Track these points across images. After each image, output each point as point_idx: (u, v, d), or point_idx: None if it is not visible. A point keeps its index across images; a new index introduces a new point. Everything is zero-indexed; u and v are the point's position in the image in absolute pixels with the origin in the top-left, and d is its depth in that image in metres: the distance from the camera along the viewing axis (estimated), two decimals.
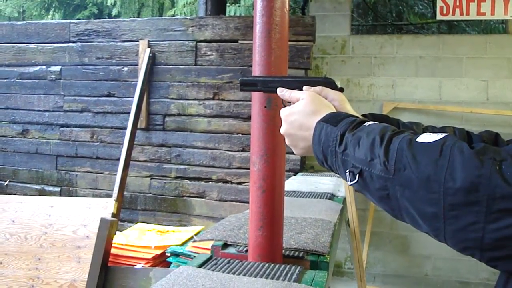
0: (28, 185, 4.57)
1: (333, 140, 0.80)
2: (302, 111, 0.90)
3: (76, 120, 4.43)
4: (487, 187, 0.60)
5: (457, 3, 4.11)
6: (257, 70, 1.42)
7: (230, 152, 3.95)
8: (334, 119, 0.84)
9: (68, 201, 3.65)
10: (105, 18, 6.51)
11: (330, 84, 0.97)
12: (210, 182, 4.06)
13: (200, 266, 1.38)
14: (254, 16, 1.43)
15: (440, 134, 0.70)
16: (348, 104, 0.96)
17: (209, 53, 4.02)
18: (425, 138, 0.69)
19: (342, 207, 2.47)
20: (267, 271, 1.33)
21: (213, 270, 1.33)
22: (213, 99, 4.01)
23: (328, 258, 1.52)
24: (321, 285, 1.28)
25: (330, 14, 4.28)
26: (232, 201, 3.92)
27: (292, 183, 3.15)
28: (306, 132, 0.88)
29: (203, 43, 4.06)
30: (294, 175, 3.63)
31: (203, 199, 4.07)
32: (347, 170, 0.77)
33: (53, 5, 7.46)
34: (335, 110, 0.90)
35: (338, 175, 0.83)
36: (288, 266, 1.38)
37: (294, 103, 0.94)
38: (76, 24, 4.48)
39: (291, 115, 0.91)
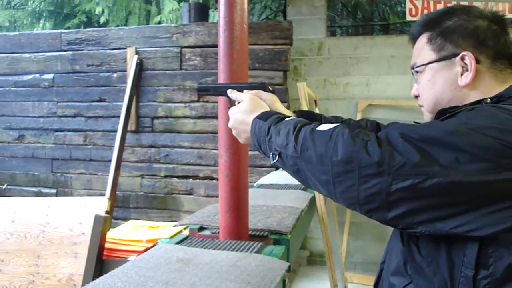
0: (26, 188, 4.79)
1: (263, 132, 1.06)
2: (243, 110, 1.16)
3: (69, 125, 4.65)
4: (357, 159, 0.85)
5: (425, 5, 4.37)
6: (221, 76, 1.67)
7: (215, 151, 4.19)
8: (265, 116, 1.10)
9: (64, 201, 3.84)
10: (94, 26, 6.72)
11: (264, 88, 1.23)
12: (197, 180, 4.30)
13: (176, 244, 1.63)
14: (218, 30, 1.68)
15: (335, 124, 0.96)
16: (278, 103, 1.23)
17: (193, 58, 4.26)
18: (323, 127, 0.95)
19: (312, 196, 2.72)
20: (233, 246, 1.58)
21: (187, 246, 1.58)
22: (198, 101, 4.23)
23: (289, 236, 1.77)
24: (277, 256, 1.53)
25: (307, 18, 4.53)
26: (218, 196, 4.14)
27: (271, 177, 3.39)
28: (246, 126, 1.14)
29: (187, 49, 4.30)
30: (275, 170, 3.87)
31: (191, 196, 4.32)
32: (271, 153, 1.02)
33: (44, 15, 7.64)
34: (268, 109, 1.16)
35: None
36: (252, 242, 1.63)
37: (238, 103, 1.20)
38: (67, 33, 4.71)
39: (235, 113, 1.17)
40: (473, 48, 0.98)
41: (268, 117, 1.08)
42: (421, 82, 1.07)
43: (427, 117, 1.09)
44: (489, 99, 0.96)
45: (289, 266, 1.47)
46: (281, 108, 1.21)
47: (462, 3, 4.20)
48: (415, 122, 0.96)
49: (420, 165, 0.81)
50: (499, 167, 0.79)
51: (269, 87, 1.24)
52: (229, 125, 1.20)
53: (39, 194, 4.69)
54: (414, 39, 1.11)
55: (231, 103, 1.24)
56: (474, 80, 0.98)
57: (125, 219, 4.22)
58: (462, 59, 0.98)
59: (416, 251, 0.92)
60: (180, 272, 1.30)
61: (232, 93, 1.24)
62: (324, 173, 0.90)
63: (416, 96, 1.12)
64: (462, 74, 0.99)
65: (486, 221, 0.80)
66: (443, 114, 0.97)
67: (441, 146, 0.82)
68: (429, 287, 0.89)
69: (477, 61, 0.98)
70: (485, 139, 0.81)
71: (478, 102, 0.97)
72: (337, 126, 0.94)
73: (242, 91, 1.23)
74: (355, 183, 0.86)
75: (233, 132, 1.20)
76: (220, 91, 1.29)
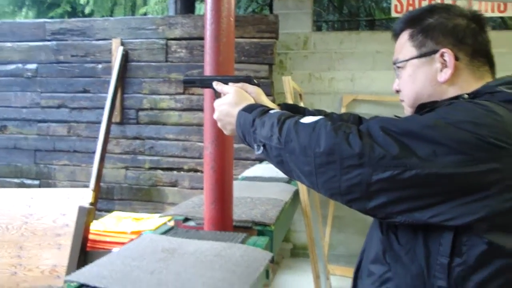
0: (8, 179, 4.73)
1: (248, 124, 1.08)
2: (228, 102, 1.18)
3: (53, 116, 4.61)
4: (339, 151, 0.88)
5: (411, 1, 4.42)
6: (207, 68, 1.68)
7: (200, 143, 4.19)
8: (250, 108, 1.12)
9: (47, 192, 3.82)
10: (78, 16, 6.65)
11: (249, 81, 1.25)
12: (182, 172, 4.31)
13: (162, 234, 1.65)
14: (205, 23, 1.69)
15: (318, 117, 0.99)
16: (263, 96, 1.25)
17: (179, 50, 4.25)
18: (306, 119, 0.98)
19: (296, 189, 2.76)
20: (218, 237, 1.61)
21: (172, 236, 1.60)
22: (183, 93, 4.22)
23: (273, 228, 1.80)
24: (261, 246, 1.56)
25: (293, 12, 4.54)
26: (202, 189, 4.15)
27: (256, 170, 3.42)
28: (231, 118, 1.16)
29: (173, 41, 4.28)
30: (260, 163, 3.90)
31: (176, 188, 4.33)
32: (256, 144, 1.05)
33: (26, 3, 7.52)
34: (253, 102, 1.18)
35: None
36: (236, 233, 1.66)
37: (224, 95, 1.22)
38: (51, 23, 4.65)
39: (221, 105, 1.19)
40: (453, 45, 1.02)
41: (253, 110, 1.11)
42: (403, 77, 1.10)
43: (407, 111, 1.13)
44: (466, 95, 0.99)
45: (273, 257, 1.50)
46: (266, 101, 1.24)
47: (445, 1, 4.26)
48: (395, 116, 0.99)
49: (399, 157, 0.85)
50: (474, 159, 0.83)
51: (254, 80, 1.26)
52: (215, 117, 1.22)
53: (21, 185, 4.64)
54: (396, 36, 1.14)
55: (217, 95, 1.26)
56: (453, 76, 1.02)
57: (109, 211, 4.22)
58: (442, 55, 1.02)
59: (395, 240, 0.96)
60: (166, 261, 1.32)
61: (217, 86, 1.26)
62: (307, 164, 0.93)
63: (398, 91, 1.15)
64: (441, 70, 1.03)
65: (461, 211, 0.84)
66: (423, 108, 1.01)
67: (420, 139, 0.85)
68: (407, 275, 0.93)
69: (456, 58, 1.01)
70: (462, 133, 0.84)
71: (456, 97, 1.00)
72: (320, 119, 0.96)
73: (227, 84, 1.25)
74: (337, 174, 0.89)
75: (218, 124, 1.22)
76: (206, 83, 1.31)
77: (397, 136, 0.87)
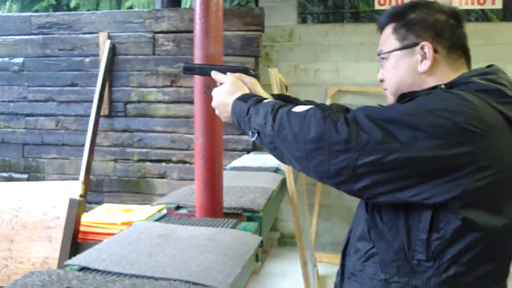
0: None
1: (243, 112, 1.16)
2: (225, 91, 1.26)
3: (41, 110, 4.61)
4: (327, 137, 0.97)
5: None
6: (196, 62, 1.75)
7: (188, 135, 4.25)
8: (245, 97, 1.20)
9: (37, 185, 3.85)
10: (64, 10, 6.62)
11: (246, 71, 1.32)
12: (171, 164, 4.36)
13: (155, 221, 1.72)
14: (194, 18, 1.75)
15: (309, 106, 1.07)
16: (259, 87, 1.32)
17: (166, 43, 4.29)
18: (298, 108, 1.06)
19: (283, 178, 2.84)
20: (209, 223, 1.68)
21: (166, 223, 1.67)
22: (170, 86, 4.28)
23: (261, 214, 1.88)
24: (251, 231, 1.63)
25: (278, 5, 4.60)
26: (191, 180, 4.21)
27: (244, 160, 3.49)
28: (228, 107, 1.24)
29: (160, 34, 4.31)
30: (247, 153, 3.97)
31: (165, 180, 4.38)
32: (251, 131, 1.13)
33: None
34: (248, 91, 1.26)
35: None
36: (227, 219, 1.73)
37: (221, 84, 1.29)
38: (37, 17, 4.64)
39: (218, 94, 1.27)
40: (432, 39, 1.11)
41: (248, 99, 1.18)
42: (386, 67, 1.20)
43: (390, 99, 1.22)
44: (443, 85, 1.08)
45: (262, 241, 1.58)
46: (261, 91, 1.31)
47: None
48: (379, 105, 1.08)
49: (382, 142, 0.93)
50: (450, 143, 0.92)
51: (251, 71, 1.33)
52: (213, 105, 1.29)
53: (10, 179, 4.65)
54: (381, 29, 1.23)
55: (215, 83, 1.33)
56: (431, 67, 1.11)
57: (99, 203, 4.25)
58: (422, 48, 1.11)
59: (379, 218, 1.05)
60: (161, 246, 1.39)
61: (215, 75, 1.33)
62: (299, 150, 1.01)
63: (381, 80, 1.24)
64: (421, 62, 1.12)
65: (438, 190, 0.93)
66: (403, 98, 1.09)
67: (401, 126, 0.94)
68: (390, 250, 1.02)
69: (435, 51, 1.11)
70: (439, 120, 0.93)
71: (434, 87, 1.09)
72: (310, 108, 1.04)
73: (225, 73, 1.31)
74: (326, 159, 0.97)
75: (216, 112, 1.30)
76: (205, 71, 1.37)
77: (380, 123, 0.95)
